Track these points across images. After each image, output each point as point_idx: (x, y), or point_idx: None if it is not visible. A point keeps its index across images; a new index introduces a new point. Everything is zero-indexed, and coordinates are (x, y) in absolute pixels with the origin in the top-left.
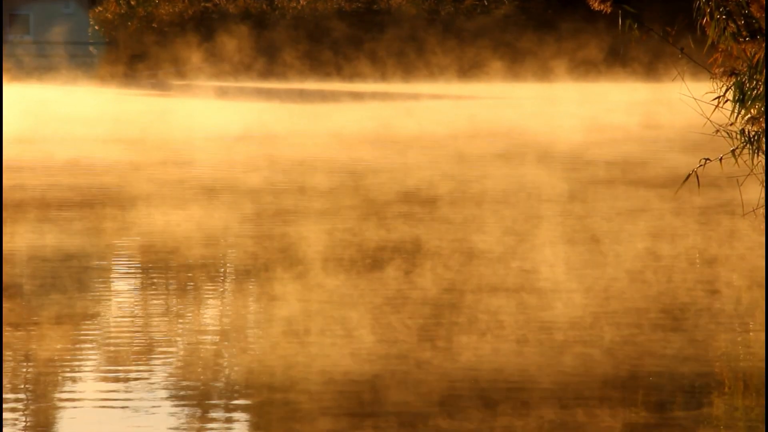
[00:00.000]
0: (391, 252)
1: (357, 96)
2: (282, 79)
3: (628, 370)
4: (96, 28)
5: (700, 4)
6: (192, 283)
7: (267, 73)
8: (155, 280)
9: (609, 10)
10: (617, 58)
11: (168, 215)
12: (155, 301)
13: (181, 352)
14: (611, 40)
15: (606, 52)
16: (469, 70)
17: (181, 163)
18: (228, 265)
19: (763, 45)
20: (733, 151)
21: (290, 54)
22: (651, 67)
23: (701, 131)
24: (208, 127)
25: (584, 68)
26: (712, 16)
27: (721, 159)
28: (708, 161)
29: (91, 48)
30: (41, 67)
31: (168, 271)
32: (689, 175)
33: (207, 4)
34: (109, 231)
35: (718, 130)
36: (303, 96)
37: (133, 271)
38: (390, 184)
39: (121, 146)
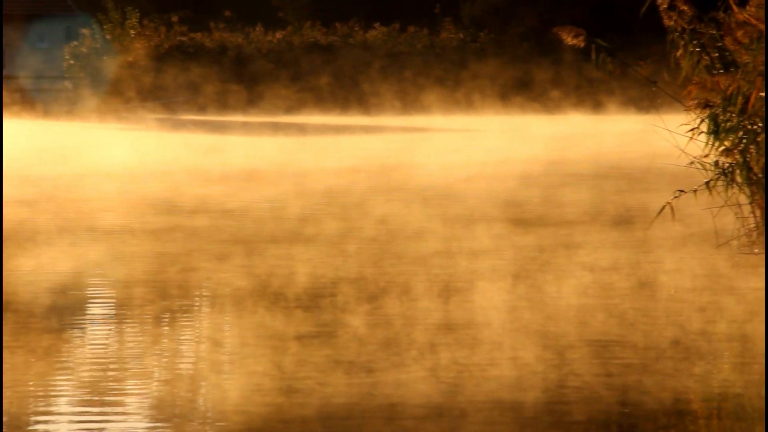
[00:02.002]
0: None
1: (288, 128)
2: (238, 111)
3: (570, 411)
4: (71, 62)
5: (673, 37)
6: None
7: (229, 106)
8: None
9: (583, 45)
10: (585, 91)
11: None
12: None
13: (124, 391)
14: (585, 74)
15: (573, 86)
16: (425, 102)
17: (41, 201)
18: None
19: (738, 77)
20: (707, 183)
21: (261, 86)
22: (626, 101)
23: (669, 163)
24: (121, 161)
25: (546, 100)
26: (686, 49)
27: (695, 191)
28: (683, 192)
29: (66, 83)
30: (8, 102)
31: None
32: (663, 207)
33: (183, 38)
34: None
35: (692, 162)
36: (242, 128)
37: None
38: (243, 223)
39: None
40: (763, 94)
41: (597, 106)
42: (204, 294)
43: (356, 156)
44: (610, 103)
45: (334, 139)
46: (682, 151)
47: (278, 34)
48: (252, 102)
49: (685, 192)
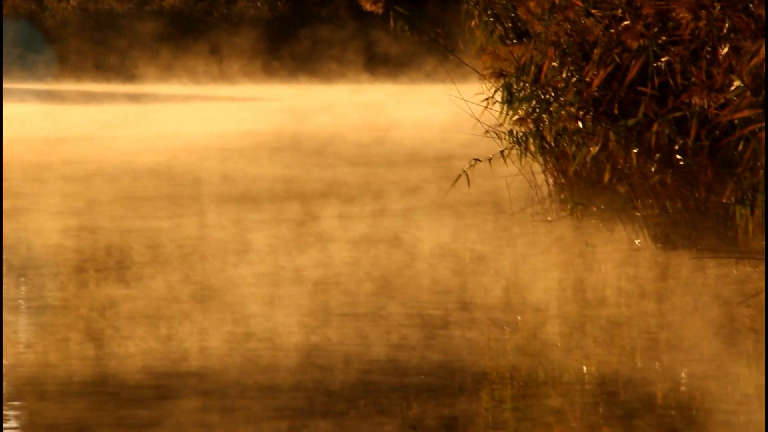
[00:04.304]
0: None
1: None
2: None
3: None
4: None
5: (468, 7)
6: None
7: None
8: None
9: (381, 11)
10: (379, 62)
11: None
12: None
13: None
14: (380, 43)
15: (367, 55)
16: (200, 71)
17: None
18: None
19: (530, 47)
20: (501, 152)
21: (43, 55)
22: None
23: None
24: None
25: (333, 69)
26: (480, 19)
27: (490, 159)
28: (478, 161)
29: None
30: None
31: None
32: (459, 176)
33: None
34: None
35: (487, 131)
36: None
37: None
38: None
39: None
40: (555, 63)
41: (389, 75)
42: None
43: (60, 127)
44: (403, 73)
45: (57, 107)
46: (477, 120)
47: (73, 2)
48: (30, 70)
49: (480, 161)
